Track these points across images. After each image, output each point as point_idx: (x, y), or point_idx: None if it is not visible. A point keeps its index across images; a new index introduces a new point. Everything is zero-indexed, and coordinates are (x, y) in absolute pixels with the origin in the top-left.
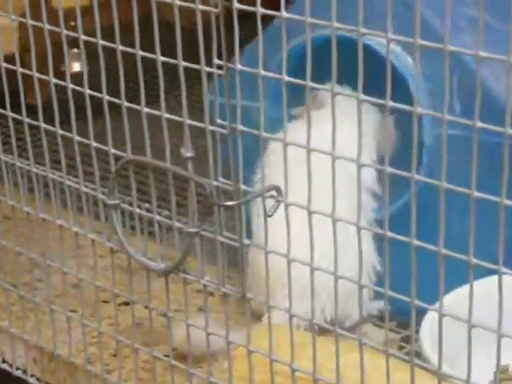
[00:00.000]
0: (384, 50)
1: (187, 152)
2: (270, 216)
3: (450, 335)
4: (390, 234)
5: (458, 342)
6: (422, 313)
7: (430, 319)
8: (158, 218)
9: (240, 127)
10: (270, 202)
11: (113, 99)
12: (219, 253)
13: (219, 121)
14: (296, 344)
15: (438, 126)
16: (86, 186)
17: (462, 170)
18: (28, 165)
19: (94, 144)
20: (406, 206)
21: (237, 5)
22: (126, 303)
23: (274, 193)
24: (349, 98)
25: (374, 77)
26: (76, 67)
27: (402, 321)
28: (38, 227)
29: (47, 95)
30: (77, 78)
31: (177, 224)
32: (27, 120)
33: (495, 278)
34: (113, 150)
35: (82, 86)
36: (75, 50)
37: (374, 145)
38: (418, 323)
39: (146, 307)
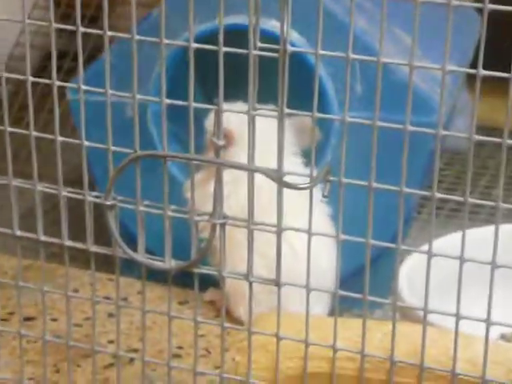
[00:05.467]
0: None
1: (219, 140)
2: (326, 197)
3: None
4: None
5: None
6: None
7: (407, 266)
8: (170, 213)
9: None
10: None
11: None
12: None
13: None
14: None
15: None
16: None
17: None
18: None
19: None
20: None
21: None
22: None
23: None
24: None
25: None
26: None
27: None
28: None
29: None
30: None
31: (196, 218)
32: None
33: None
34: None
35: None
36: None
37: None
38: None
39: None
